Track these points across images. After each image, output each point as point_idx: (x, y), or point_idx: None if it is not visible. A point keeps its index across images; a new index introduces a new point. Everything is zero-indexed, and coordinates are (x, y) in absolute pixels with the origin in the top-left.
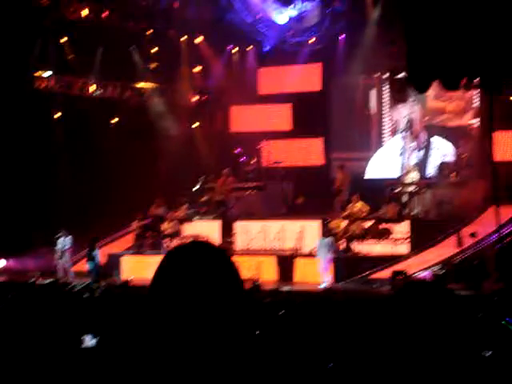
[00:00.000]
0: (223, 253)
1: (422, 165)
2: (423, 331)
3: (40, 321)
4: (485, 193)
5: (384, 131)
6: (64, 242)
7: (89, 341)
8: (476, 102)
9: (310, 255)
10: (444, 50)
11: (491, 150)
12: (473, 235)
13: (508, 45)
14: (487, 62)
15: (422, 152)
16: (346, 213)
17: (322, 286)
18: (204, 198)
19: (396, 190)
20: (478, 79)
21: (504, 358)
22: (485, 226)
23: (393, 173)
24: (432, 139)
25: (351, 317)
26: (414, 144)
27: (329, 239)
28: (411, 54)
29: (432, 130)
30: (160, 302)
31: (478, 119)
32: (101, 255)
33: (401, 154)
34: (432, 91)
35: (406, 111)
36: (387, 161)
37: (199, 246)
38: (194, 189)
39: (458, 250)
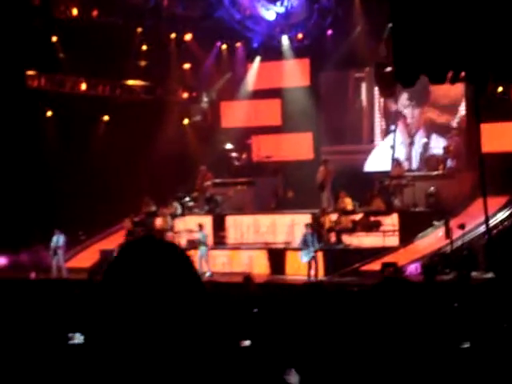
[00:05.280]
0: (175, 247)
1: (411, 157)
2: (400, 326)
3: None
4: (472, 184)
5: (376, 125)
6: (57, 240)
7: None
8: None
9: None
10: (430, 45)
11: (478, 142)
12: (461, 227)
13: (493, 38)
14: (472, 56)
15: (412, 145)
16: (334, 207)
17: (207, 274)
18: (195, 194)
19: (385, 183)
20: (463, 73)
21: (482, 349)
22: (473, 217)
23: (385, 166)
24: (420, 132)
25: (333, 310)
26: (404, 137)
27: (205, 233)
28: (397, 48)
29: (420, 123)
30: (111, 297)
31: (465, 112)
32: (90, 251)
33: (391, 147)
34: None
35: (397, 105)
36: (381, 154)
37: (151, 240)
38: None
39: (446, 242)
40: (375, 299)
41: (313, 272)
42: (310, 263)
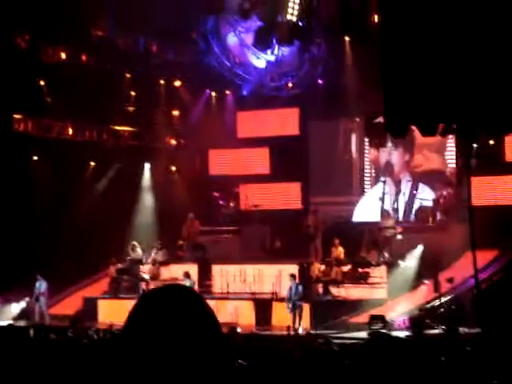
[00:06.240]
0: (198, 297)
1: (400, 209)
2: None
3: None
4: (462, 237)
5: (365, 176)
6: (39, 285)
7: None
8: (453, 148)
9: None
10: (421, 96)
11: (469, 195)
12: (450, 280)
13: (485, 91)
14: (464, 109)
15: (401, 196)
16: (329, 257)
17: None
18: (181, 242)
19: (375, 235)
20: (454, 125)
21: None
22: (462, 270)
23: (374, 217)
24: (407, 181)
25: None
26: (393, 188)
27: (192, 280)
28: (388, 99)
29: (411, 174)
30: (134, 346)
31: (455, 164)
32: (73, 298)
33: (380, 199)
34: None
35: (386, 156)
36: (370, 205)
37: (174, 289)
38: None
39: (435, 295)
40: (364, 357)
41: (296, 324)
42: (294, 314)
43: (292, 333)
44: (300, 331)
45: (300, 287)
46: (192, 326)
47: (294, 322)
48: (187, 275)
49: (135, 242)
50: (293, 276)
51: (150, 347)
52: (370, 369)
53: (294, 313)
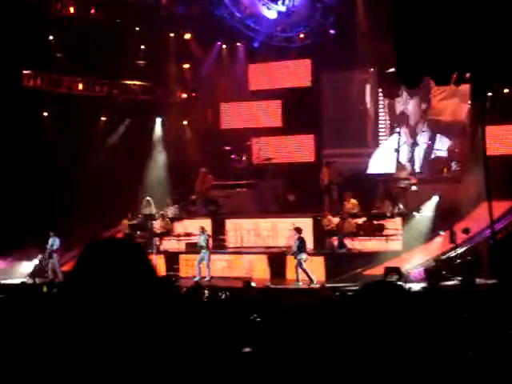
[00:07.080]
0: (138, 248)
1: (415, 160)
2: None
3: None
4: (477, 188)
5: (380, 127)
6: (52, 243)
7: None
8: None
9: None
10: (434, 45)
11: (484, 145)
12: (466, 231)
13: (499, 39)
14: (478, 56)
15: (416, 147)
16: (338, 210)
17: (207, 279)
18: (194, 197)
19: (390, 186)
20: (468, 74)
21: (488, 358)
22: (478, 221)
23: (389, 169)
24: (423, 133)
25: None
26: (408, 139)
27: (206, 236)
28: (400, 49)
29: (426, 124)
30: (76, 295)
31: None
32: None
33: (395, 150)
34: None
35: (401, 106)
36: (385, 157)
37: (116, 241)
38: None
39: (451, 246)
40: (365, 304)
41: (301, 277)
42: (296, 268)
43: (305, 286)
44: (314, 284)
45: (301, 241)
46: (131, 273)
47: (297, 276)
48: (202, 230)
49: (149, 198)
50: (297, 230)
51: (93, 292)
52: (361, 316)
53: (297, 267)
